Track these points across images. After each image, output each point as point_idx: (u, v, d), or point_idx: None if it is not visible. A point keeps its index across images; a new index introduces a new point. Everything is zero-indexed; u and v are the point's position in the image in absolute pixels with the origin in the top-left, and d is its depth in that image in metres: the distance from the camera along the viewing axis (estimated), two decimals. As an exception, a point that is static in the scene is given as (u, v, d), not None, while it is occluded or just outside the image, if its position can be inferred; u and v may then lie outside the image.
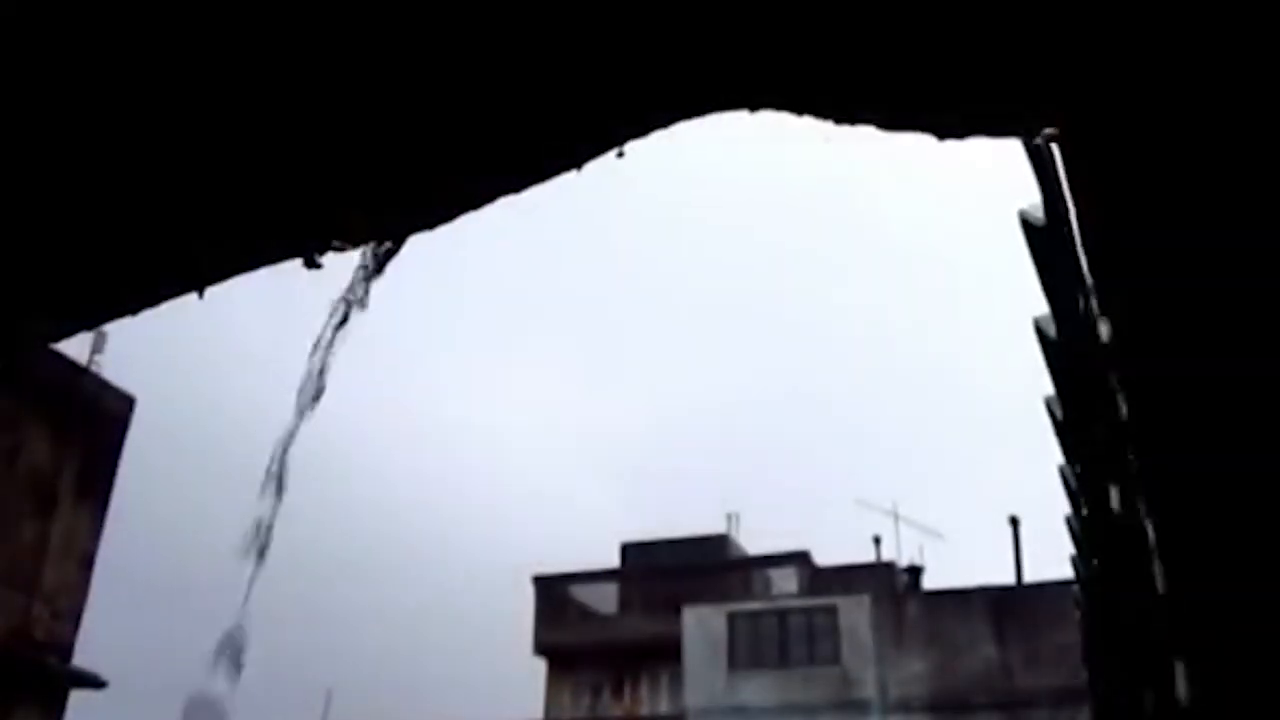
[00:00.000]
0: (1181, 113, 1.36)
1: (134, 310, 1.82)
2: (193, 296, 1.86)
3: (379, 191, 1.65)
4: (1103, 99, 1.36)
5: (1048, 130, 1.40)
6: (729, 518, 34.97)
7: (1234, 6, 1.28)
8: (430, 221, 1.66)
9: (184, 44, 1.46)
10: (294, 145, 1.59)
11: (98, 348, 14.81)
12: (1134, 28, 1.30)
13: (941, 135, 1.41)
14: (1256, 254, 1.55)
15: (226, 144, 1.58)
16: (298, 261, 1.77)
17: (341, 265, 1.72)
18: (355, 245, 1.68)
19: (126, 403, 14.79)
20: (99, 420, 14.27)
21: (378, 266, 1.65)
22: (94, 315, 1.89)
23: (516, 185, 1.63)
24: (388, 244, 1.66)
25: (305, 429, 1.83)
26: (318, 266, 1.69)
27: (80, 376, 14.02)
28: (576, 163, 1.60)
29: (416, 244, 1.66)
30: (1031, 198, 2.79)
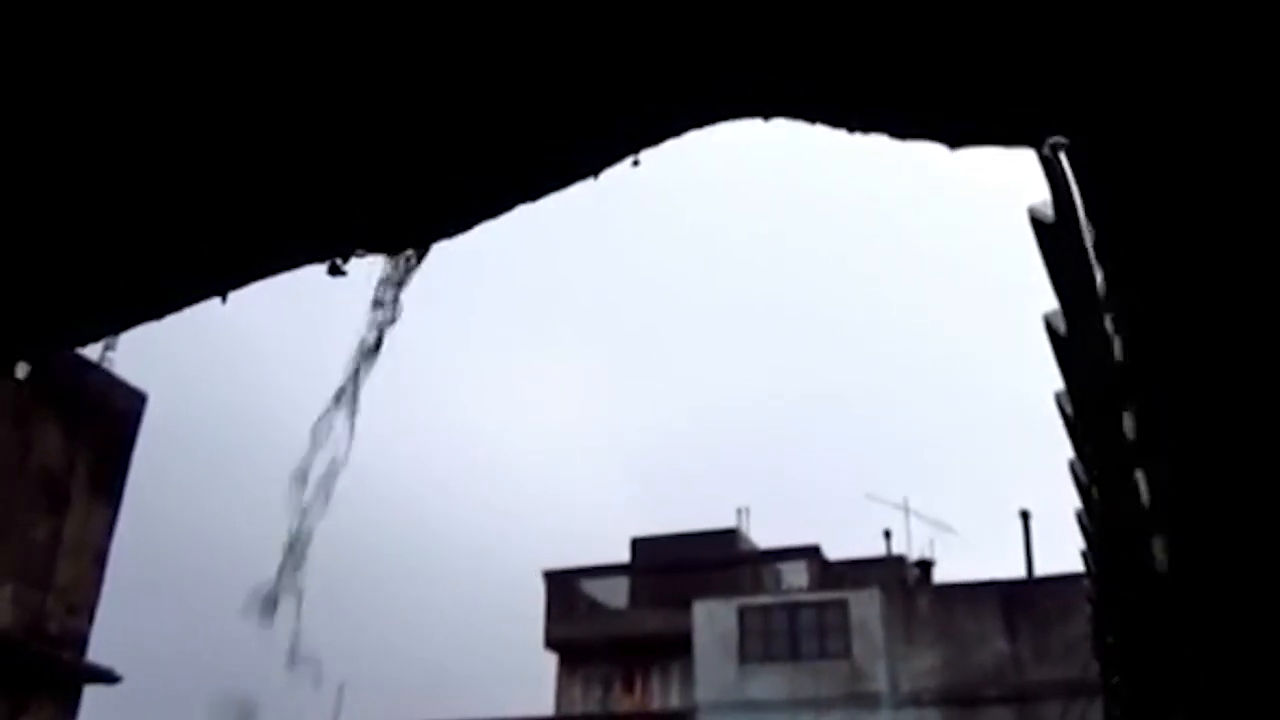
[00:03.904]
0: (1186, 118, 1.37)
1: (157, 316, 1.85)
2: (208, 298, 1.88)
3: (399, 199, 1.67)
4: (1109, 107, 1.38)
5: (1056, 139, 1.42)
6: (739, 512, 34.97)
7: (1237, 14, 1.30)
8: (449, 230, 1.68)
9: (208, 57, 1.48)
10: (315, 153, 1.62)
11: (109, 344, 14.87)
12: (1138, 37, 1.31)
13: (952, 145, 1.43)
14: (1261, 253, 1.56)
15: (250, 153, 1.60)
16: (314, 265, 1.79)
17: (359, 269, 1.74)
18: (378, 252, 1.70)
19: (138, 399, 14.85)
20: (111, 416, 14.33)
21: (403, 276, 1.67)
22: (119, 321, 1.91)
23: (533, 193, 1.65)
24: (410, 252, 1.68)
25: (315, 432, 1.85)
26: (342, 273, 1.71)
27: (92, 373, 14.07)
28: (592, 171, 1.62)
29: (438, 251, 1.68)
30: (1042, 194, 2.79)
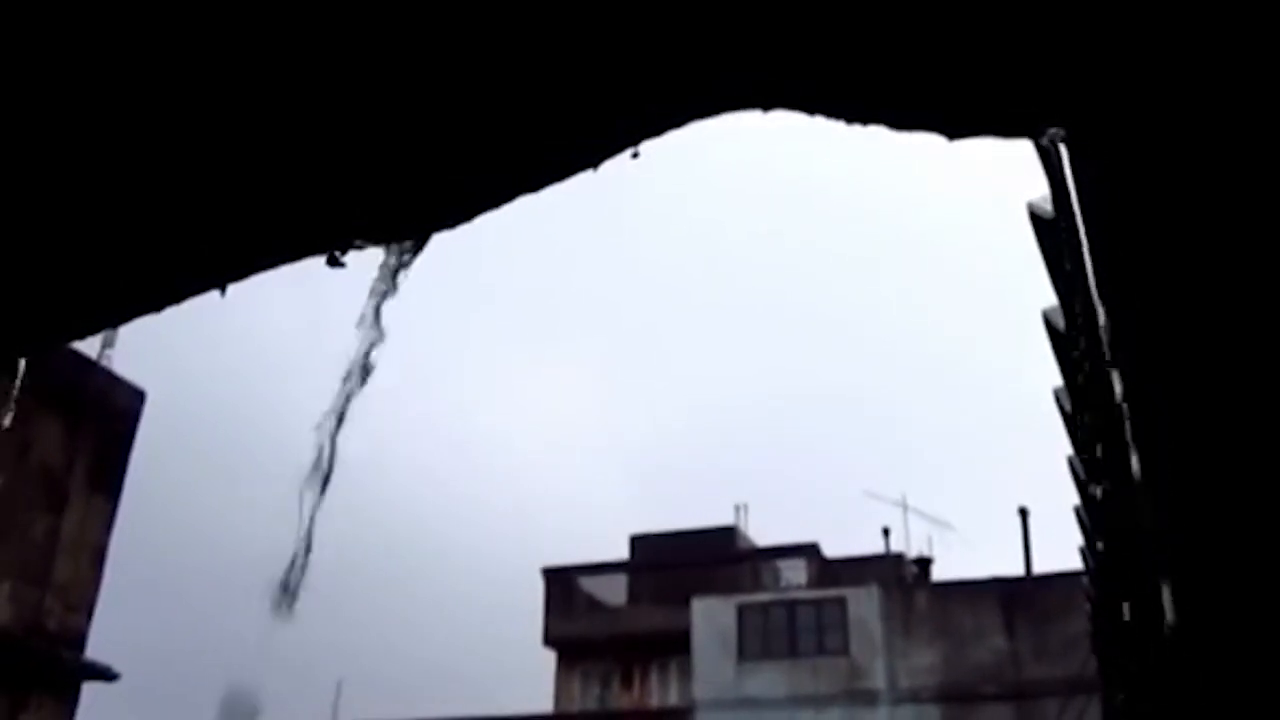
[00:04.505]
0: (1187, 112, 1.37)
1: (155, 309, 1.85)
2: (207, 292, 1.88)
3: (398, 194, 1.67)
4: (1109, 98, 1.38)
5: (1054, 130, 1.42)
6: (738, 509, 35.01)
7: (1236, 8, 1.30)
8: (448, 221, 1.68)
9: (207, 53, 1.48)
10: (315, 148, 1.62)
11: (108, 342, 14.89)
12: (1140, 28, 1.31)
13: (951, 135, 1.43)
14: (1261, 248, 1.56)
15: (246, 142, 1.60)
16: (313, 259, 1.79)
17: (361, 263, 1.74)
18: (376, 244, 1.70)
19: (137, 397, 14.85)
20: (110, 414, 14.33)
21: (400, 266, 1.67)
22: (116, 313, 1.91)
23: (532, 184, 1.65)
24: (409, 243, 1.68)
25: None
26: (340, 265, 1.70)
27: (91, 371, 14.07)
28: (591, 162, 1.62)
29: (438, 253, 1.68)
30: (1042, 189, 2.80)
